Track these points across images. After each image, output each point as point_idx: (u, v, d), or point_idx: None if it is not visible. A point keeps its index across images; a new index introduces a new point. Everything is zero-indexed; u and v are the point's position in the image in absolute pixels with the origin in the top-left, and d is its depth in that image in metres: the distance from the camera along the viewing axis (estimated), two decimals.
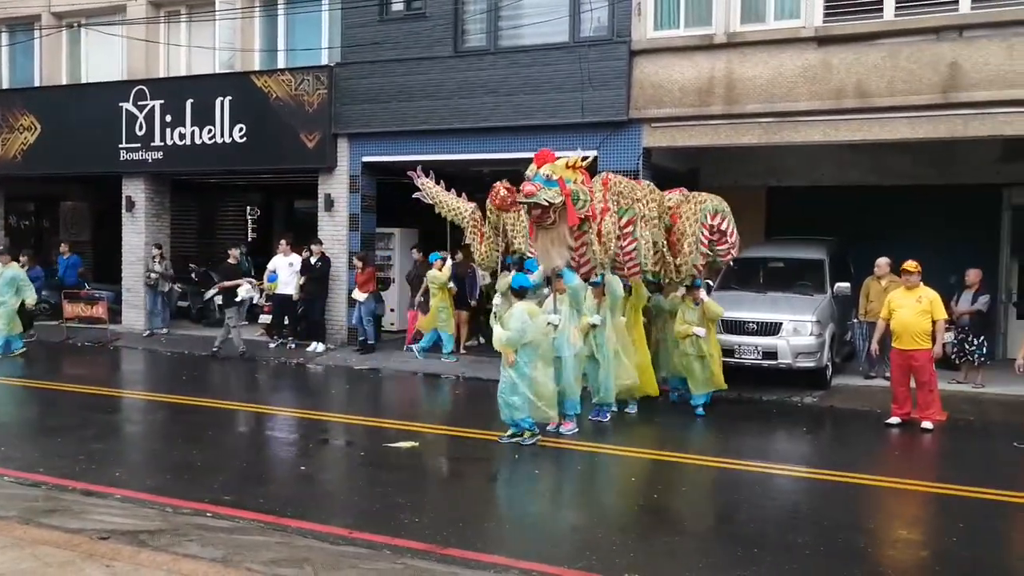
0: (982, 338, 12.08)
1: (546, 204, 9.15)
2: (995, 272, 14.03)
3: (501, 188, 9.57)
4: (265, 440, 9.83)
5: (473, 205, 10.81)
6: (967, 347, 12.11)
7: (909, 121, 11.71)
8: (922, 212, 14.45)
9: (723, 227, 10.66)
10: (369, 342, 14.94)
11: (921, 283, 10.15)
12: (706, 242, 10.51)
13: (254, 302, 15.54)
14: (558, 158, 9.53)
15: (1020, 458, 8.66)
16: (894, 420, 10.12)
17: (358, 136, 15.24)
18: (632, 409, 10.67)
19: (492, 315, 9.25)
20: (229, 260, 15.27)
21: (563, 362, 9.55)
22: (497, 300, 9.45)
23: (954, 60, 11.40)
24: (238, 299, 14.87)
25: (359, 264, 14.75)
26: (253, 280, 15.46)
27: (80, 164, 17.82)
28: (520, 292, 9.04)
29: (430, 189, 10.83)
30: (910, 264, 10.19)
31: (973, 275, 12.26)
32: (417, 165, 11.18)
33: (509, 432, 9.09)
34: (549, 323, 9.27)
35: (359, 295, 14.83)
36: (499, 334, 8.83)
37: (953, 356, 12.35)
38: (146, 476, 7.88)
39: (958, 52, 11.40)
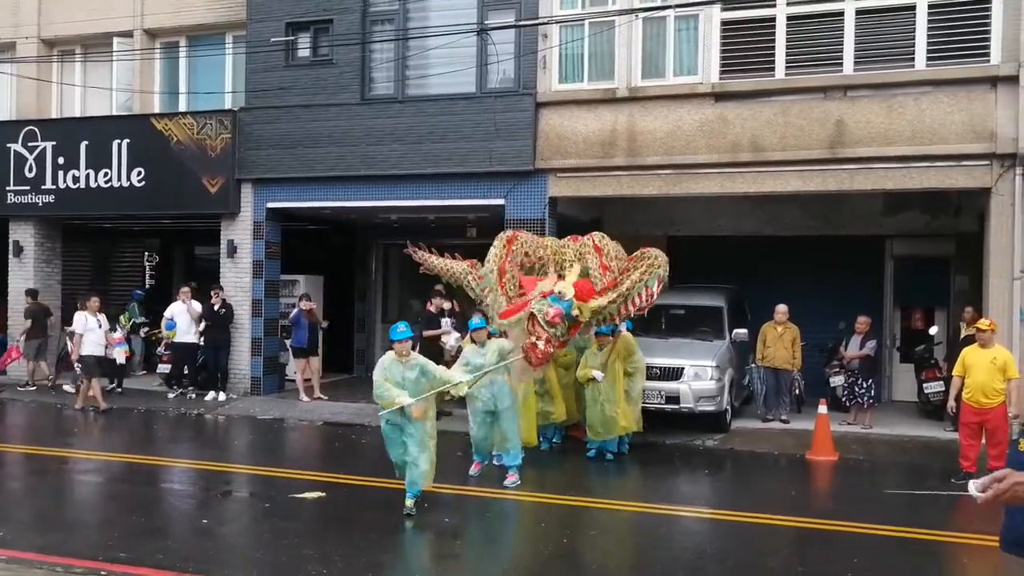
0: (871, 381, 12.65)
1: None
2: (880, 318, 14.77)
3: (540, 344, 9.26)
4: (164, 493, 9.45)
5: (466, 264, 10.90)
6: (857, 390, 12.65)
7: (800, 174, 12.33)
8: (813, 261, 15.17)
9: (659, 290, 10.41)
10: None
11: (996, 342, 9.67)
12: (637, 304, 10.22)
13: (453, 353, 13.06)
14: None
15: (910, 496, 9.07)
16: (972, 482, 9.46)
17: (263, 182, 15.03)
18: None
19: (465, 365, 9.21)
20: (430, 307, 13.45)
21: (502, 414, 9.46)
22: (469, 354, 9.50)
23: (840, 118, 12.09)
24: (447, 347, 13.08)
25: None
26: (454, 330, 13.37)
27: None
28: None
29: (428, 261, 11.16)
30: (983, 322, 9.77)
31: (862, 322, 12.83)
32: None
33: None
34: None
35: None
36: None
37: (843, 399, 12.91)
38: (35, 534, 7.47)
39: (843, 110, 12.11)
